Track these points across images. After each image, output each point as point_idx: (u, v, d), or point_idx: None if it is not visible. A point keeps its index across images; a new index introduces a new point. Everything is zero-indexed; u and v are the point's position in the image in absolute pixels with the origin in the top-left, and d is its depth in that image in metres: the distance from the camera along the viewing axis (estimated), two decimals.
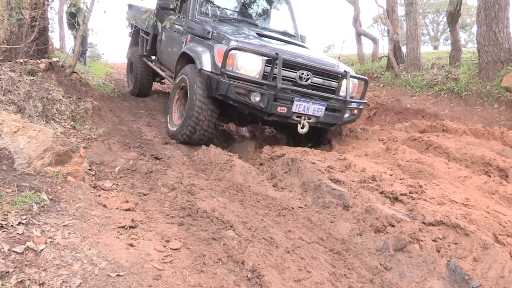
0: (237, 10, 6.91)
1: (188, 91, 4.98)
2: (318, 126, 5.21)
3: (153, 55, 7.63)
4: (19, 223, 2.13)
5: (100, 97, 6.64)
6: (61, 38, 13.73)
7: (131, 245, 2.27)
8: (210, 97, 4.77)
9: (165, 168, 3.98)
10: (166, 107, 5.68)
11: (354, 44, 13.59)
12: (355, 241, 2.80)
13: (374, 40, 13.18)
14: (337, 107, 5.10)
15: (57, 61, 5.95)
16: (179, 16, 6.34)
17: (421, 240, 2.68)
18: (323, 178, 3.49)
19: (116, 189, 3.17)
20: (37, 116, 4.21)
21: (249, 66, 4.63)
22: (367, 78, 5.58)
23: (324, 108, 4.94)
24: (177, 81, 5.41)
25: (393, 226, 2.81)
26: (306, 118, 4.91)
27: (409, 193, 3.28)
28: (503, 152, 4.77)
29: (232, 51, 4.50)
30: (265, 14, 7.13)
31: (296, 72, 4.82)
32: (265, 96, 4.60)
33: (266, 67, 4.65)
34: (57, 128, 4.29)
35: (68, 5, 8.13)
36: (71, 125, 4.57)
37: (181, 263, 2.21)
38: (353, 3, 13.33)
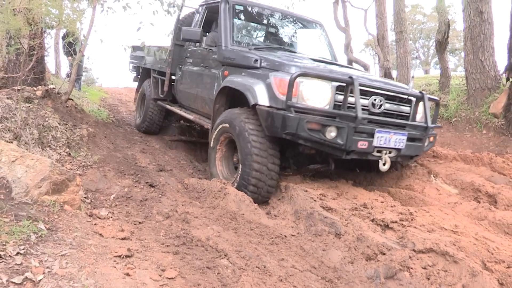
0: (270, 37, 6.25)
1: (236, 140, 4.22)
2: (398, 160, 4.47)
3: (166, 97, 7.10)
4: (17, 253, 2.16)
5: (95, 124, 6.69)
6: (57, 64, 13.87)
7: (128, 274, 2.30)
8: (269, 141, 4.04)
9: (160, 195, 4.03)
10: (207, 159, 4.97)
11: None
12: (346, 269, 2.85)
13: (366, 67, 13.41)
14: (418, 135, 4.37)
15: (53, 88, 6.03)
16: (205, 48, 5.72)
17: (411, 268, 2.74)
18: (315, 206, 3.55)
19: (111, 217, 3.21)
20: (33, 143, 4.27)
21: (318, 95, 3.88)
22: (438, 99, 5.06)
23: (405, 138, 4.19)
24: (216, 131, 4.61)
25: (384, 254, 2.87)
26: (387, 152, 4.14)
27: (400, 220, 3.35)
28: (492, 178, 4.87)
29: (298, 79, 3.77)
30: (299, 40, 6.58)
31: (368, 99, 4.10)
32: (343, 130, 3.82)
33: (336, 95, 3.95)
34: (52, 155, 4.34)
35: (66, 32, 8.23)
36: (66, 152, 4.61)
37: None
38: (344, 30, 13.62)
